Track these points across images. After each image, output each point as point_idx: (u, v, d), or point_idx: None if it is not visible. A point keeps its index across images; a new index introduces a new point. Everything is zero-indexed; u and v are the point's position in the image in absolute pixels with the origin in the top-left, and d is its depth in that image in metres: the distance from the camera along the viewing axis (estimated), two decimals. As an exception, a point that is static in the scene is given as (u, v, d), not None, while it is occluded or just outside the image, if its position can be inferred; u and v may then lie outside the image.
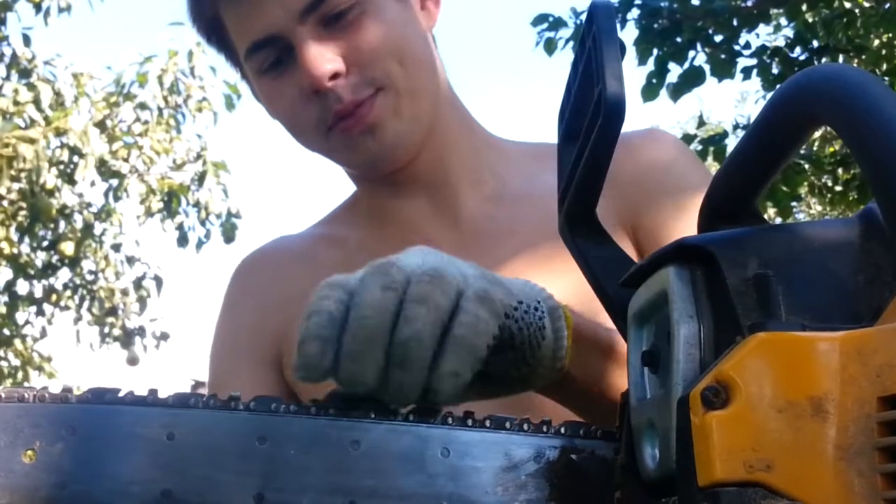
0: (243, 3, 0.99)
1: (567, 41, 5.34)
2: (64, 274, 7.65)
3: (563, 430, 0.58)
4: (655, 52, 5.21)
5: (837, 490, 0.37)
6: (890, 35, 5.72)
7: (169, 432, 0.51)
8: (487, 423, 0.56)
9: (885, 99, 0.38)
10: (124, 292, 7.81)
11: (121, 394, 0.53)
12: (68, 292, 7.69)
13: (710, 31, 5.22)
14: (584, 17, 5.27)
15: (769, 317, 0.43)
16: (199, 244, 7.40)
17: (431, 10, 1.09)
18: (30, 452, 0.49)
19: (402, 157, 1.04)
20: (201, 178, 7.40)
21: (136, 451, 0.51)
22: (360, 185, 1.14)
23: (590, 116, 0.57)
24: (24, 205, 6.93)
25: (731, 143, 5.51)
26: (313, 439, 0.53)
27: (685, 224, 0.98)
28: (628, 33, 5.21)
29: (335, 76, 0.97)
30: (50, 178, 6.62)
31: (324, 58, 0.96)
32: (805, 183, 5.89)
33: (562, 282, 0.96)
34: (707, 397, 0.39)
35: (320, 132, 1.02)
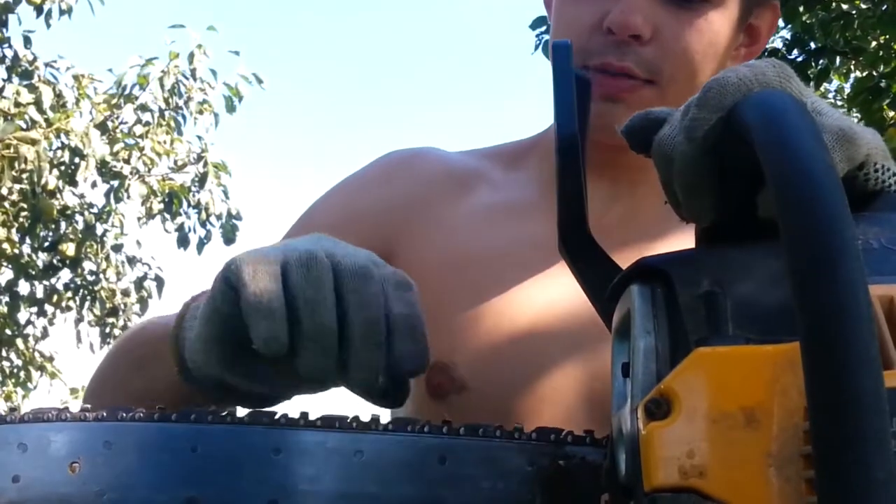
0: None
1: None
2: (65, 275, 7.64)
3: (552, 437, 0.61)
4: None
5: (766, 495, 0.40)
6: (887, 37, 5.72)
7: (193, 445, 0.56)
8: (481, 432, 0.60)
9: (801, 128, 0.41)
10: (125, 293, 7.80)
11: (150, 412, 0.58)
12: (69, 293, 7.69)
13: (709, 34, 5.21)
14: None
15: (715, 332, 0.45)
16: (200, 245, 7.41)
17: (741, 54, 1.01)
18: (74, 465, 0.56)
19: (617, 143, 1.00)
20: (202, 179, 7.41)
21: (164, 462, 0.57)
22: None
23: (555, 148, 0.62)
24: (25, 206, 6.94)
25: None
26: (321, 450, 0.58)
27: None
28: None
29: (635, 37, 0.90)
30: (51, 179, 6.63)
31: (641, 13, 0.90)
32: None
33: None
34: (650, 409, 0.42)
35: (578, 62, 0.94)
